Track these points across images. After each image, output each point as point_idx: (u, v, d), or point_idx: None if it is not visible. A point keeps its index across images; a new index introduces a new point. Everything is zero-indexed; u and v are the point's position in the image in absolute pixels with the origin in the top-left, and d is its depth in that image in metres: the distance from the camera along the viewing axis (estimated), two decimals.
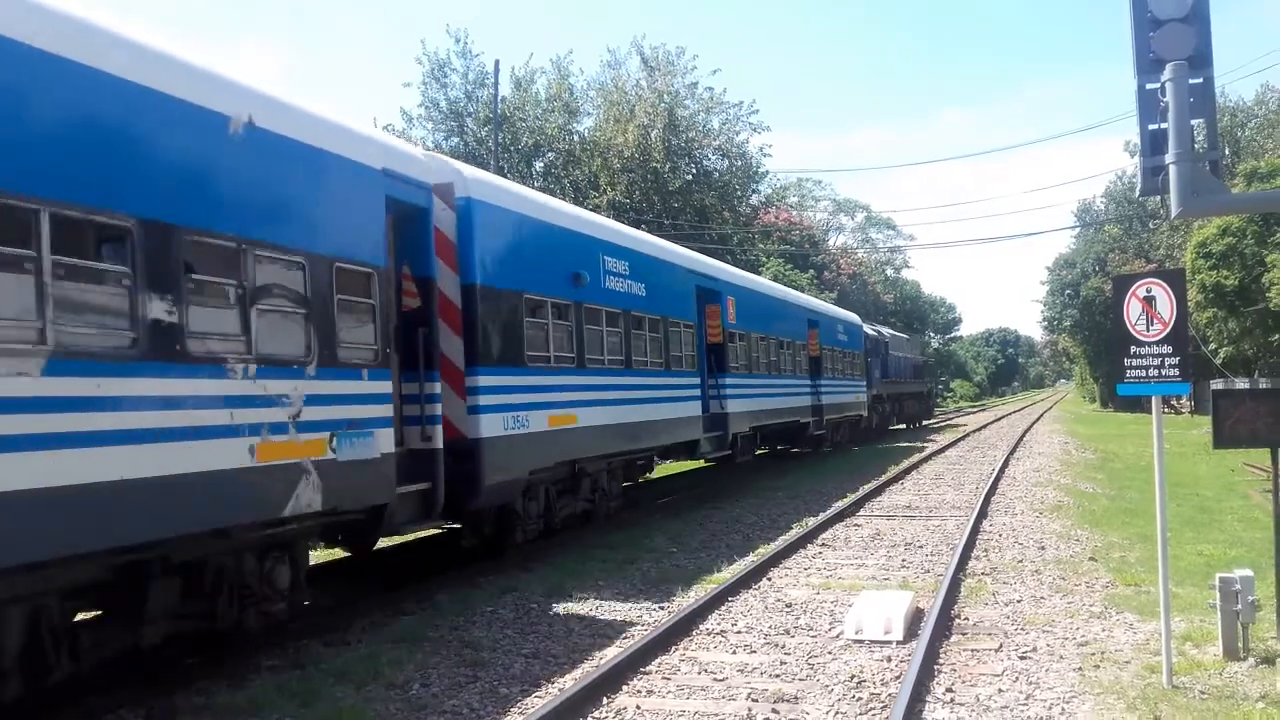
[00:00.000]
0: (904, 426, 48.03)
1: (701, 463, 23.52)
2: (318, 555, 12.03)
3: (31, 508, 6.02)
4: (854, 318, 38.01)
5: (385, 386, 9.66)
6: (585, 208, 25.89)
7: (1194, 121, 7.38)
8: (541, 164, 41.67)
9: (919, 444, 35.66)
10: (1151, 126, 7.49)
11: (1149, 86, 7.46)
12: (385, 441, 9.52)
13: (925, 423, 52.82)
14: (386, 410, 9.63)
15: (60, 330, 6.29)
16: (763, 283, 28.31)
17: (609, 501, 15.77)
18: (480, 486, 11.41)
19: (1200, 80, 7.34)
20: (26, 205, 6.16)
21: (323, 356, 8.72)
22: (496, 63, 35.13)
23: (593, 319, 14.85)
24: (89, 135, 6.70)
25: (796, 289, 37.63)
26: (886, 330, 47.23)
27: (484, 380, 11.68)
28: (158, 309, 7.04)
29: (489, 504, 11.95)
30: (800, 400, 27.43)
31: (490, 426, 11.66)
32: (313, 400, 8.56)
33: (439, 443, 10.75)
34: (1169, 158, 7.32)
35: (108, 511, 6.57)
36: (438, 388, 10.90)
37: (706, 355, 20.48)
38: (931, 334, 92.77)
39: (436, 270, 11.13)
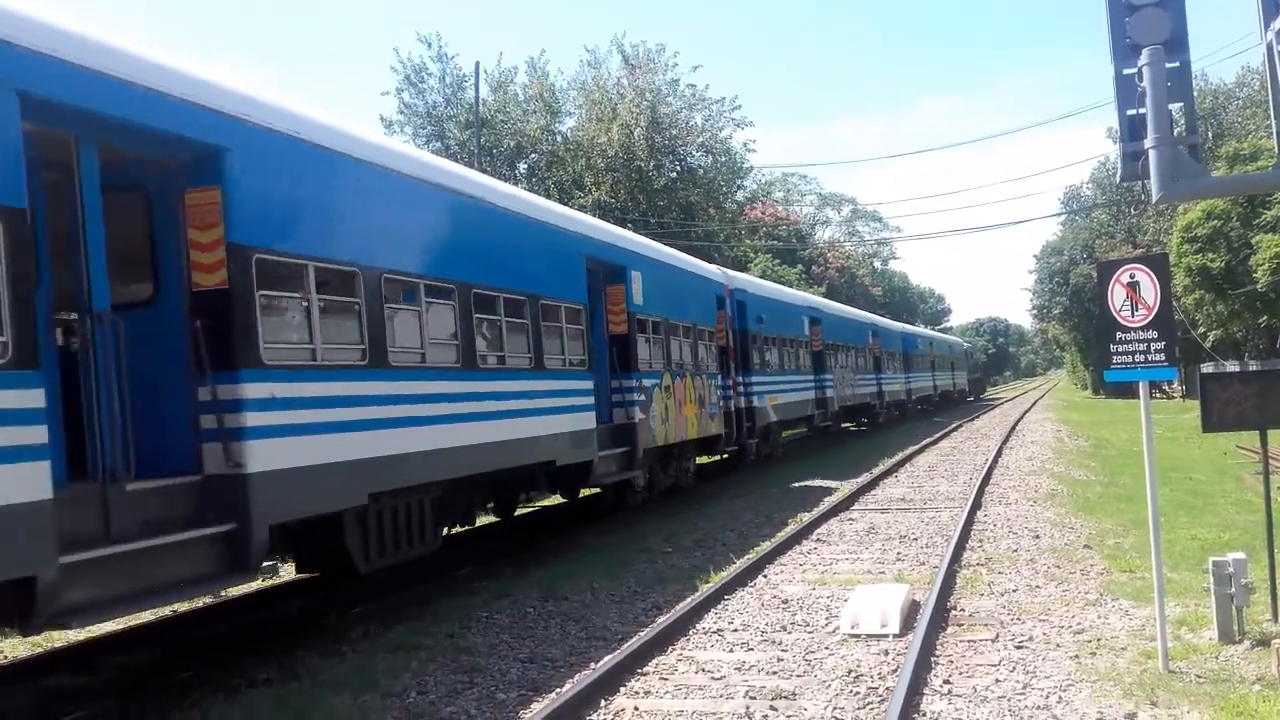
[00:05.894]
0: (972, 398, 77.41)
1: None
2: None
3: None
4: (961, 341, 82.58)
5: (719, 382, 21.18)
6: (572, 208, 26.07)
7: (1172, 106, 7.36)
8: (525, 165, 41.55)
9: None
10: (1130, 112, 7.46)
11: (1126, 72, 7.45)
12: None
13: (981, 396, 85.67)
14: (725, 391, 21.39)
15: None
16: (938, 336, 67.65)
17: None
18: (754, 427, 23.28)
19: (1177, 64, 7.31)
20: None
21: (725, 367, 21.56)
22: (477, 65, 34.87)
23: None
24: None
25: (785, 284, 40.62)
26: (967, 343, 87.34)
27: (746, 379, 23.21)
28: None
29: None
30: (946, 383, 61.53)
31: (759, 400, 23.47)
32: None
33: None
34: (1148, 143, 7.30)
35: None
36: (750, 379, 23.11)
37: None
38: (921, 325, 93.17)
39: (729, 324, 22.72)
